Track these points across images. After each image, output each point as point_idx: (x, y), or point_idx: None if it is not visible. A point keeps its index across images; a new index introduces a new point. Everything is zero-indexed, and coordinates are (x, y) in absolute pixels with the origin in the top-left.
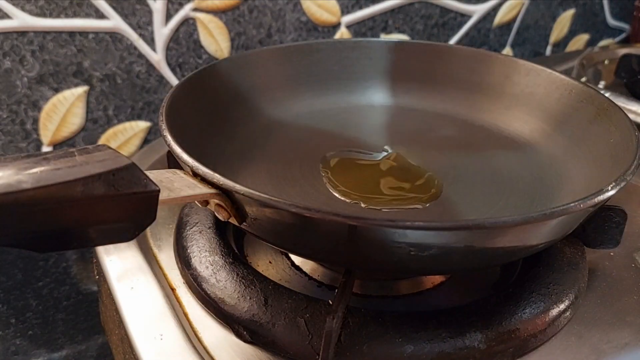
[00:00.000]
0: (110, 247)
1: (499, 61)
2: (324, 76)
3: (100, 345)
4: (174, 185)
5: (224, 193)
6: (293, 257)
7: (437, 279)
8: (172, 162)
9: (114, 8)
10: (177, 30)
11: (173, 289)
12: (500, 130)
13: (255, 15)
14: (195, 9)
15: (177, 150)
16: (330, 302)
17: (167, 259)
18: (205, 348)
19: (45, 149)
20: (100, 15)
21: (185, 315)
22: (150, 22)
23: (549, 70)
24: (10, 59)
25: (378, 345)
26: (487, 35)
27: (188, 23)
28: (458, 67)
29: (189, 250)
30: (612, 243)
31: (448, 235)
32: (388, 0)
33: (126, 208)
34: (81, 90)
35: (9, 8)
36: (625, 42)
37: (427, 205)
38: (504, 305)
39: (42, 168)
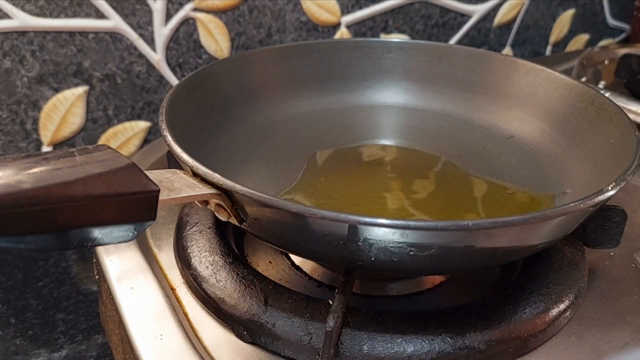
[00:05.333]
0: (110, 247)
1: (499, 61)
2: (324, 76)
3: (100, 345)
4: (174, 185)
5: (224, 193)
6: (293, 257)
7: (437, 279)
8: (172, 162)
9: (114, 8)
10: (177, 30)
11: (173, 289)
12: (500, 130)
13: (255, 15)
14: (195, 9)
15: (177, 150)
16: (330, 302)
17: (167, 259)
18: (205, 348)
19: (45, 149)
20: (100, 15)
21: (185, 315)
22: (150, 22)
23: (549, 70)
24: (10, 59)
25: (378, 345)
26: (487, 35)
27: (188, 23)
28: (458, 67)
29: (189, 250)
30: (612, 243)
31: (448, 235)
32: (388, 0)
33: (126, 208)
34: (81, 90)
35: (9, 8)
36: (625, 42)
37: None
38: (504, 305)
39: (42, 168)
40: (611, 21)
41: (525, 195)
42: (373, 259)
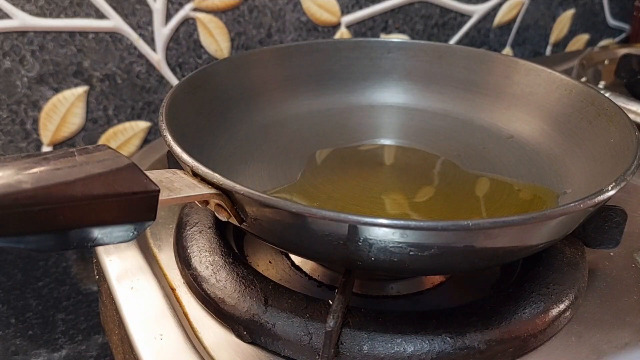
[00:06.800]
0: (110, 247)
1: (499, 61)
2: (324, 76)
3: (100, 345)
4: (174, 185)
5: (224, 193)
6: (293, 257)
7: (437, 279)
8: (172, 162)
9: (114, 8)
10: (177, 30)
11: (173, 289)
12: (500, 130)
13: (255, 15)
14: (195, 9)
15: (177, 150)
16: (330, 302)
17: (167, 259)
18: (205, 348)
19: (45, 149)
20: (100, 15)
21: (185, 315)
22: (150, 22)
23: (549, 70)
24: (10, 59)
25: (378, 345)
26: (487, 35)
27: (188, 23)
28: (458, 67)
29: (189, 250)
30: (612, 243)
31: (448, 235)
32: (388, 0)
33: (126, 208)
34: (81, 90)
35: (9, 8)
36: (625, 42)
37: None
38: (504, 305)
39: (42, 168)
40: (611, 21)
41: (527, 192)
42: (373, 259)
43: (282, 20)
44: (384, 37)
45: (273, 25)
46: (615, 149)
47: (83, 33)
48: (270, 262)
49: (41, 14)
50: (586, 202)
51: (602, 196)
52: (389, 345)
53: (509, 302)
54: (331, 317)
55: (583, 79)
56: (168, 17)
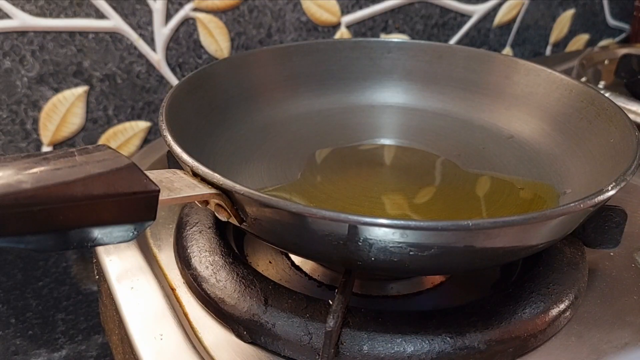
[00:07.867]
0: (110, 247)
1: (499, 61)
2: (324, 76)
3: (100, 345)
4: (174, 185)
5: (224, 193)
6: (293, 257)
7: (437, 279)
8: (172, 162)
9: (114, 8)
10: (177, 30)
11: (173, 289)
12: (500, 130)
13: (255, 15)
14: (195, 9)
15: (177, 150)
16: (330, 302)
17: (167, 259)
18: (205, 348)
19: (45, 149)
20: (100, 15)
21: (185, 315)
22: (150, 22)
23: (549, 70)
24: (10, 59)
25: (378, 345)
26: (487, 35)
27: (188, 23)
28: (458, 67)
29: (189, 250)
30: (612, 243)
31: (448, 235)
32: (388, 0)
33: (126, 208)
34: (81, 90)
35: (9, 8)
36: (625, 42)
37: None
38: (504, 305)
39: (42, 168)
40: (611, 21)
41: (528, 190)
42: (373, 259)
43: (282, 20)
44: (384, 37)
45: (273, 25)
46: (615, 149)
47: (83, 33)
48: (270, 262)
49: (41, 14)
50: (586, 202)
51: (602, 196)
52: (389, 345)
53: (509, 302)
54: (331, 317)
55: (583, 79)
56: (168, 17)
